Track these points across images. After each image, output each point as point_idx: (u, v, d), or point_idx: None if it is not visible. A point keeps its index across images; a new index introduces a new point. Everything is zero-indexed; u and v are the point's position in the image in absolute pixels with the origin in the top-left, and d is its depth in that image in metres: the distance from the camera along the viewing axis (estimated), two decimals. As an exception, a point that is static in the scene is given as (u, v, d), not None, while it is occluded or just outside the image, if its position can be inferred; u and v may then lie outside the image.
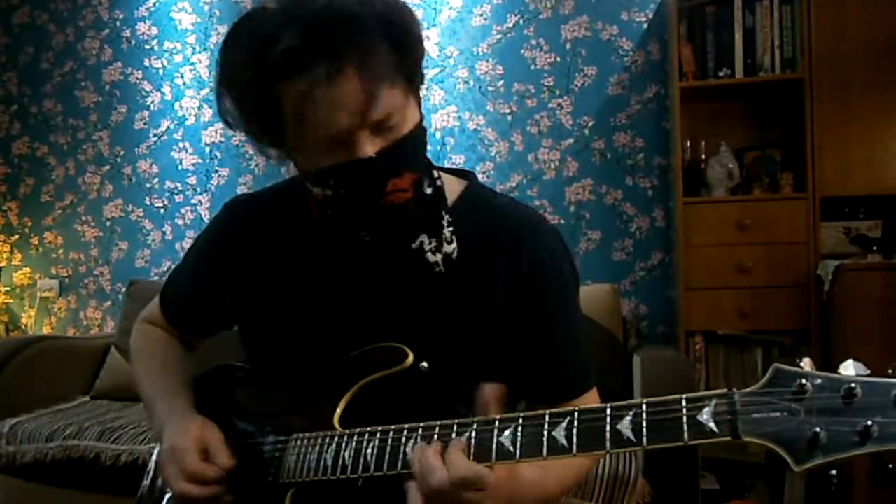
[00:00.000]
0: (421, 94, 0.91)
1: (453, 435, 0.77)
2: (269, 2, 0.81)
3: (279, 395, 0.99)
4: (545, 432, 0.72)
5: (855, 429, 0.58)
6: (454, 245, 0.95)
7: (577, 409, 0.72)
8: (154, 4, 3.52)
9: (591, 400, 0.99)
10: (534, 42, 3.09)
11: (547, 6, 3.09)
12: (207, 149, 3.43)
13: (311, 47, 0.77)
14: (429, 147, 0.95)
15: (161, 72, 3.51)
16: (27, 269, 3.55)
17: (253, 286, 1.03)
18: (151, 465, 1.09)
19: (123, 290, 3.25)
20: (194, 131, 3.45)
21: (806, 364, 0.62)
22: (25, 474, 2.34)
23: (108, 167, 3.55)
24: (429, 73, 3.13)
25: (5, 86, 3.70)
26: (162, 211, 3.48)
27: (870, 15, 2.50)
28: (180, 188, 3.46)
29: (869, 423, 0.57)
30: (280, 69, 0.78)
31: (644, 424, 0.67)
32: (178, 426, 0.95)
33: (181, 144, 3.46)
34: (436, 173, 0.98)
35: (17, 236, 3.63)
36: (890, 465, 0.58)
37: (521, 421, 0.75)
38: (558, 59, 3.07)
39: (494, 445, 0.74)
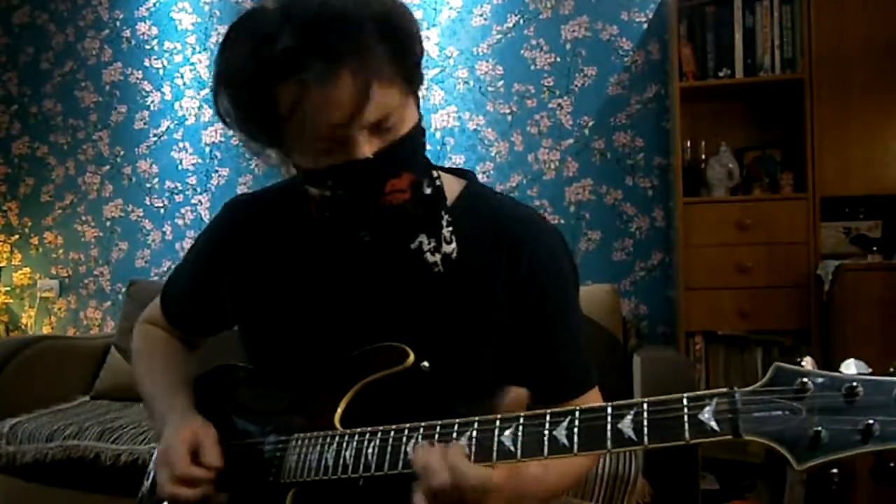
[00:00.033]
0: (420, 95, 0.91)
1: (454, 435, 0.77)
2: (269, 2, 0.82)
3: (280, 394, 0.99)
4: (546, 432, 0.72)
5: (857, 427, 0.58)
6: (453, 245, 0.95)
7: (578, 408, 0.72)
8: (154, 4, 3.52)
9: (592, 399, 0.99)
10: (534, 42, 3.09)
11: (547, 6, 3.09)
12: (207, 149, 3.43)
13: (308, 48, 0.77)
14: (429, 147, 0.94)
15: (161, 72, 3.50)
16: (27, 269, 3.55)
17: (253, 286, 1.03)
18: (152, 465, 1.09)
19: (123, 290, 3.25)
20: (194, 131, 3.45)
21: (807, 363, 0.62)
22: (25, 474, 2.34)
23: (108, 167, 3.55)
24: (429, 73, 3.13)
25: (5, 86, 3.70)
26: (162, 211, 3.48)
27: (870, 15, 2.50)
28: (180, 188, 3.46)
29: (871, 421, 0.57)
30: (277, 69, 0.78)
31: (645, 423, 0.67)
32: (175, 426, 0.95)
33: (181, 144, 3.46)
34: (435, 173, 0.98)
35: (17, 236, 3.63)
36: (892, 464, 0.58)
37: (521, 420, 0.74)
38: (558, 59, 3.07)
39: (495, 445, 0.74)
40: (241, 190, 3.32)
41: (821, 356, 2.43)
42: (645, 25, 3.00)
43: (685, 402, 0.66)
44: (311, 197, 0.91)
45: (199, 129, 3.44)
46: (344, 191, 0.86)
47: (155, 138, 3.49)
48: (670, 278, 2.92)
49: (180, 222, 3.45)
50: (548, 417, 0.73)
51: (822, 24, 2.52)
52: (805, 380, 0.61)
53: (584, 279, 2.64)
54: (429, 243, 0.94)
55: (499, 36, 3.12)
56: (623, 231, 3.01)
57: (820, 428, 0.59)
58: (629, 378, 2.37)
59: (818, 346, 2.47)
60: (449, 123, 3.15)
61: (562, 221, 3.03)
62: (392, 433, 0.82)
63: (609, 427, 0.69)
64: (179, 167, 3.46)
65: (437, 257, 0.94)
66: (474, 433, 0.76)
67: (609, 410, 0.70)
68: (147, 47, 3.52)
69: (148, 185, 3.49)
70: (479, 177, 1.07)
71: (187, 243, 3.39)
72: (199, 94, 3.45)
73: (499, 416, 0.76)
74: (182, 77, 3.47)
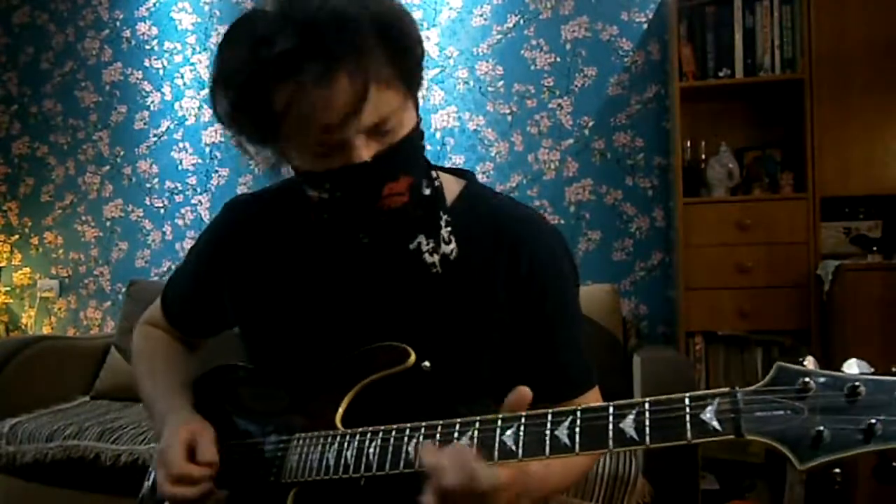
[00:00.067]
0: (420, 96, 0.91)
1: (455, 434, 0.77)
2: (268, 3, 0.82)
3: (281, 394, 0.99)
4: (548, 431, 0.72)
5: (859, 427, 0.58)
6: (452, 245, 0.95)
7: (579, 407, 0.72)
8: (154, 4, 3.52)
9: (592, 398, 1.00)
10: (534, 42, 3.09)
11: (547, 6, 3.09)
12: (207, 149, 3.43)
13: (306, 50, 0.77)
14: (428, 147, 0.95)
15: (161, 72, 3.50)
16: (27, 269, 3.55)
17: (253, 286, 1.03)
18: (152, 465, 1.09)
19: (123, 290, 3.24)
20: (194, 131, 3.45)
21: (809, 362, 0.62)
22: (25, 474, 2.34)
23: (108, 167, 3.55)
24: (429, 74, 3.13)
25: (5, 86, 3.69)
26: (162, 211, 3.48)
27: (870, 15, 2.50)
28: (180, 188, 3.46)
29: (873, 421, 0.57)
30: (274, 71, 0.78)
31: (647, 423, 0.67)
32: (174, 426, 0.95)
33: (181, 144, 3.46)
34: (434, 174, 0.98)
35: (17, 236, 3.63)
36: (894, 463, 0.58)
37: (523, 420, 0.74)
38: (558, 59, 3.07)
39: (497, 445, 0.74)
40: (241, 190, 3.32)
41: (821, 356, 2.41)
42: (645, 25, 3.00)
43: (687, 401, 0.66)
44: (310, 199, 0.91)
45: (199, 129, 3.44)
46: (342, 194, 0.86)
47: (155, 138, 3.49)
48: (670, 278, 2.92)
49: (180, 222, 3.45)
50: (549, 417, 0.73)
51: (822, 24, 2.52)
52: (807, 379, 0.61)
53: (584, 279, 2.63)
54: (427, 244, 0.94)
55: (499, 36, 3.12)
56: (623, 231, 3.01)
57: (822, 427, 0.59)
58: (629, 378, 2.37)
59: (818, 347, 2.47)
60: (449, 124, 3.15)
61: (562, 221, 3.03)
62: (393, 433, 0.82)
63: (611, 427, 0.69)
64: (179, 167, 3.46)
65: (436, 258, 0.94)
66: (476, 433, 0.76)
67: (611, 410, 0.70)
68: (147, 47, 3.52)
69: (148, 186, 3.49)
70: (479, 177, 1.07)
71: (187, 243, 3.39)
72: (199, 94, 3.44)
73: (500, 415, 0.76)
74: (182, 77, 3.47)
